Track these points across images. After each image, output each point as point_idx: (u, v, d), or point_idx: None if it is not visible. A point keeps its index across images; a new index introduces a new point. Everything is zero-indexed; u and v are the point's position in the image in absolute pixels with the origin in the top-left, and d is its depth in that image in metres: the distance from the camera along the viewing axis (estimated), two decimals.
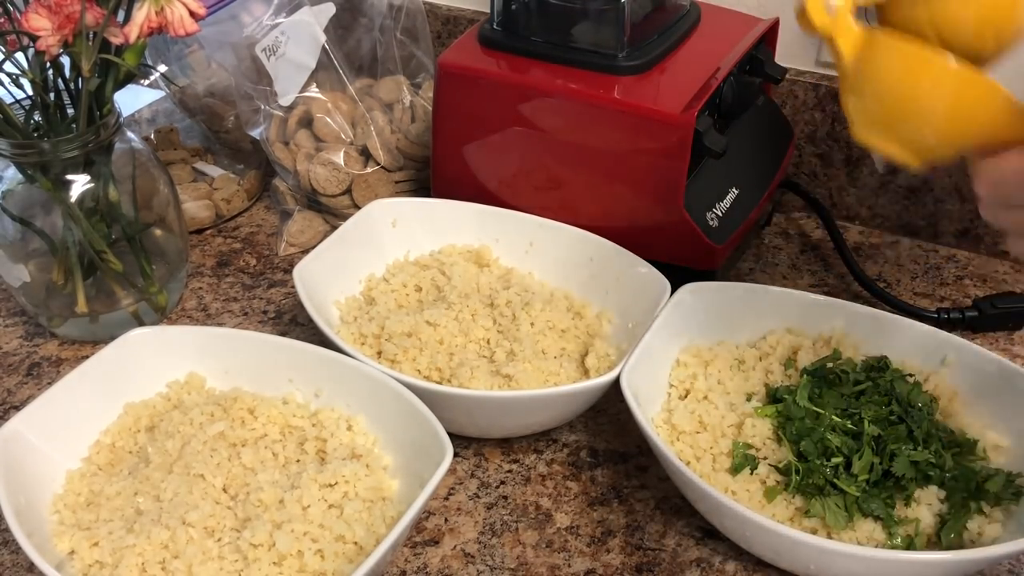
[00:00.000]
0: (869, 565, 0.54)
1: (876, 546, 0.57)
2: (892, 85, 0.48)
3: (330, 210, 0.88)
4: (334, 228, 0.83)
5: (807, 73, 0.88)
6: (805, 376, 0.66)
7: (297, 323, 0.81)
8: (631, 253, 0.73)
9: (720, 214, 0.75)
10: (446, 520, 0.64)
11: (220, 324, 0.80)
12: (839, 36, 0.50)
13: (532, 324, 0.71)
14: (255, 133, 0.87)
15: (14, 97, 0.70)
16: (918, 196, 0.87)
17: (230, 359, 0.68)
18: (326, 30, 0.86)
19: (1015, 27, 0.49)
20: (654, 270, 0.71)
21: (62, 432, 0.62)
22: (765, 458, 0.62)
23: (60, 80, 0.70)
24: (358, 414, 0.65)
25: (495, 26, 0.78)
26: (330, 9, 0.86)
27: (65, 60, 0.69)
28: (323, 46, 0.86)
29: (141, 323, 0.78)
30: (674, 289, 0.69)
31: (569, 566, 0.61)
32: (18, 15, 0.65)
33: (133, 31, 0.65)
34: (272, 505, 0.58)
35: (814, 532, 0.58)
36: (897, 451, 0.60)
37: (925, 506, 0.59)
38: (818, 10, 0.49)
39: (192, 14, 0.66)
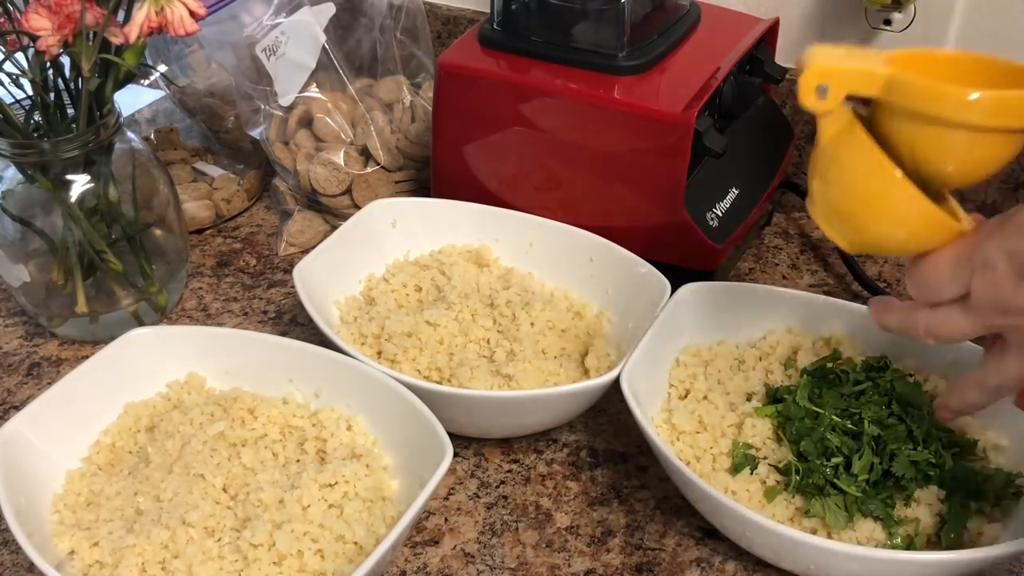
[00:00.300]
0: (869, 565, 0.54)
1: (876, 546, 0.57)
2: (850, 181, 0.50)
3: (330, 210, 0.88)
4: (334, 228, 0.83)
5: None
6: (805, 376, 0.66)
7: (297, 323, 0.81)
8: (631, 253, 0.73)
9: (720, 214, 0.75)
10: (446, 520, 0.64)
11: (220, 324, 0.80)
12: (823, 119, 0.51)
13: (532, 324, 0.71)
14: (255, 133, 0.87)
15: (14, 97, 0.70)
16: None
17: (230, 359, 0.68)
18: (326, 30, 0.86)
19: (985, 176, 0.50)
20: (654, 270, 0.71)
21: (62, 432, 0.62)
22: (765, 458, 0.62)
23: (60, 80, 0.70)
24: (358, 414, 0.65)
25: (495, 26, 0.78)
26: (330, 9, 0.86)
27: (65, 60, 0.69)
28: (323, 46, 0.86)
29: (141, 323, 0.78)
30: (674, 289, 0.69)
31: (569, 566, 0.61)
32: (18, 15, 0.65)
33: (133, 31, 0.65)
34: (272, 505, 0.58)
35: (814, 532, 0.58)
36: (897, 451, 0.60)
37: (925, 506, 0.59)
38: (808, 90, 0.50)
39: (192, 14, 0.66)
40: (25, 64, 0.68)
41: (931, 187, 0.50)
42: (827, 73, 0.49)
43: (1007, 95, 0.46)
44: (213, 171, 0.94)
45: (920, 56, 0.51)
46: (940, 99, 0.46)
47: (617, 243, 0.74)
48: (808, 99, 0.50)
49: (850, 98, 0.50)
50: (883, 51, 0.50)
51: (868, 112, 0.51)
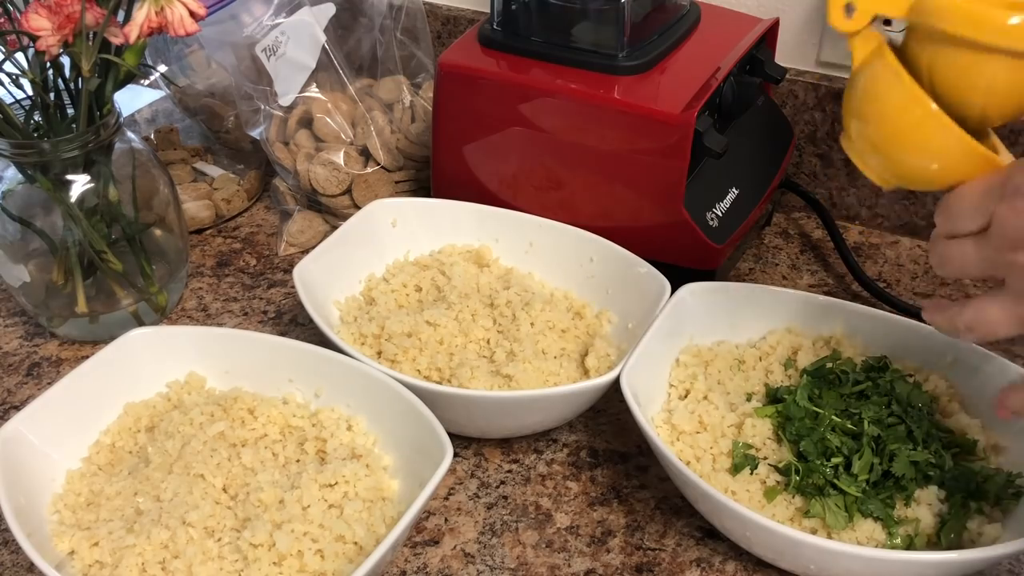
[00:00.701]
0: (869, 565, 0.54)
1: (876, 546, 0.57)
2: (879, 111, 0.49)
3: (330, 210, 0.88)
4: (334, 228, 0.83)
5: (807, 73, 0.88)
6: (805, 376, 0.66)
7: (297, 323, 0.81)
8: (631, 253, 0.73)
9: (720, 214, 0.75)
10: (446, 520, 0.64)
11: (220, 324, 0.80)
12: (853, 39, 0.50)
13: (532, 324, 0.71)
14: (255, 133, 0.87)
15: (14, 97, 0.70)
16: (918, 196, 0.87)
17: (230, 359, 0.68)
18: (326, 30, 0.86)
19: (1006, 119, 0.49)
20: (654, 270, 0.71)
21: (62, 432, 0.62)
22: (765, 458, 0.62)
23: (60, 80, 0.70)
24: (358, 414, 0.65)
25: (495, 26, 0.78)
26: (330, 9, 0.86)
27: (65, 60, 0.69)
28: (323, 46, 0.86)
29: (141, 323, 0.78)
30: (674, 289, 0.69)
31: (569, 566, 0.61)
32: (18, 15, 0.65)
33: (133, 31, 0.65)
34: (272, 505, 0.58)
35: (814, 532, 0.58)
36: (897, 451, 0.60)
37: (925, 506, 0.59)
38: (837, 8, 0.49)
39: (192, 14, 0.66)
40: (25, 64, 0.68)
41: (970, 122, 0.48)
42: None
43: None
44: (213, 171, 0.94)
45: None
46: (978, 22, 0.44)
47: (617, 243, 0.74)
48: (836, 18, 0.49)
49: (886, 22, 0.49)
50: None
51: (903, 39, 0.49)
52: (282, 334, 0.78)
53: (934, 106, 0.47)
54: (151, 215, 0.78)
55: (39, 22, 0.63)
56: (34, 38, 0.64)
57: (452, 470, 0.67)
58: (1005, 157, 0.50)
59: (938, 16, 0.46)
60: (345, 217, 0.81)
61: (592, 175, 0.75)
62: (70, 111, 0.72)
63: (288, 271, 0.86)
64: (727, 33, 0.79)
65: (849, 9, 0.49)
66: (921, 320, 0.69)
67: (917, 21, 0.47)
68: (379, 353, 0.69)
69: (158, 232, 0.80)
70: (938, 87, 0.48)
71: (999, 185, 0.46)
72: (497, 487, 0.66)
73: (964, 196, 0.48)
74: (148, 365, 0.67)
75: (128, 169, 0.76)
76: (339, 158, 0.86)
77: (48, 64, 0.68)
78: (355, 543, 0.57)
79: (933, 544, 0.58)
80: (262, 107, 0.87)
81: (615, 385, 0.62)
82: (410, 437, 0.61)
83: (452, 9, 1.01)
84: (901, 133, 0.49)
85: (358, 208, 0.83)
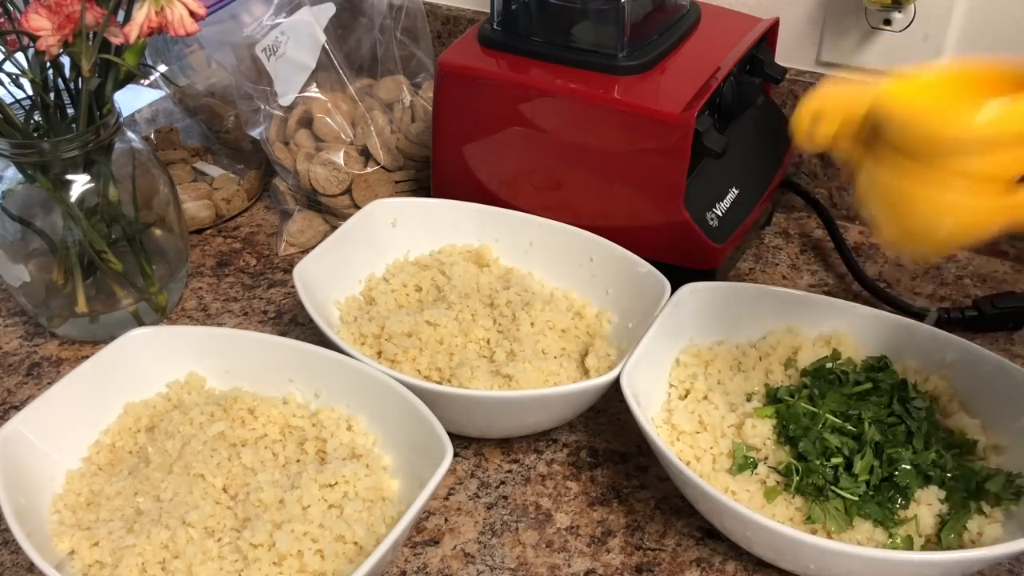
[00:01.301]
0: (869, 565, 0.54)
1: (876, 546, 0.57)
2: (885, 204, 0.50)
3: (330, 210, 0.88)
4: (334, 228, 0.83)
5: (807, 73, 0.88)
6: (805, 376, 0.66)
7: (297, 323, 0.81)
8: (631, 253, 0.73)
9: (720, 214, 0.75)
10: (446, 520, 0.64)
11: (220, 324, 0.80)
12: (833, 151, 0.52)
13: (532, 324, 0.71)
14: (255, 133, 0.87)
15: (14, 97, 0.70)
16: None
17: (230, 359, 0.68)
18: (326, 30, 0.86)
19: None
20: (654, 270, 0.71)
21: (62, 432, 0.62)
22: (765, 458, 0.62)
23: (60, 80, 0.70)
24: (358, 414, 0.65)
25: (495, 26, 0.78)
26: (330, 9, 0.86)
27: (65, 60, 0.69)
28: (323, 46, 0.86)
29: (141, 323, 0.78)
30: (674, 289, 0.69)
31: (569, 566, 0.61)
32: (18, 15, 0.65)
33: (133, 31, 0.65)
34: (272, 505, 0.58)
35: (814, 532, 0.58)
36: (897, 452, 0.60)
37: (925, 506, 0.59)
38: (801, 136, 0.52)
39: (192, 14, 0.66)
40: (25, 64, 0.68)
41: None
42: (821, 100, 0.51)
43: (1013, 110, 0.45)
44: (213, 171, 0.94)
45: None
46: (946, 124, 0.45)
47: (617, 243, 0.74)
48: (804, 142, 0.52)
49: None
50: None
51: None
52: (282, 334, 0.78)
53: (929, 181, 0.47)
54: (151, 215, 0.78)
55: (39, 22, 0.63)
56: (34, 38, 0.64)
57: (452, 470, 0.67)
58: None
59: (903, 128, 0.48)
60: (345, 217, 0.81)
61: (592, 175, 0.75)
62: (70, 111, 0.72)
63: (288, 271, 0.86)
64: (727, 33, 0.79)
65: (811, 137, 0.52)
66: (920, 320, 0.69)
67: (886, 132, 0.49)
68: (379, 353, 0.69)
69: (158, 232, 0.80)
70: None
71: None
72: (497, 487, 0.66)
73: None
74: (148, 365, 0.67)
75: (128, 169, 0.76)
76: (339, 158, 0.86)
77: (48, 64, 0.68)
78: (355, 543, 0.57)
79: (933, 544, 0.58)
80: (262, 107, 0.87)
81: (615, 385, 0.62)
82: (410, 437, 0.61)
83: (452, 9, 1.01)
84: (919, 216, 0.49)
85: (358, 208, 0.83)
